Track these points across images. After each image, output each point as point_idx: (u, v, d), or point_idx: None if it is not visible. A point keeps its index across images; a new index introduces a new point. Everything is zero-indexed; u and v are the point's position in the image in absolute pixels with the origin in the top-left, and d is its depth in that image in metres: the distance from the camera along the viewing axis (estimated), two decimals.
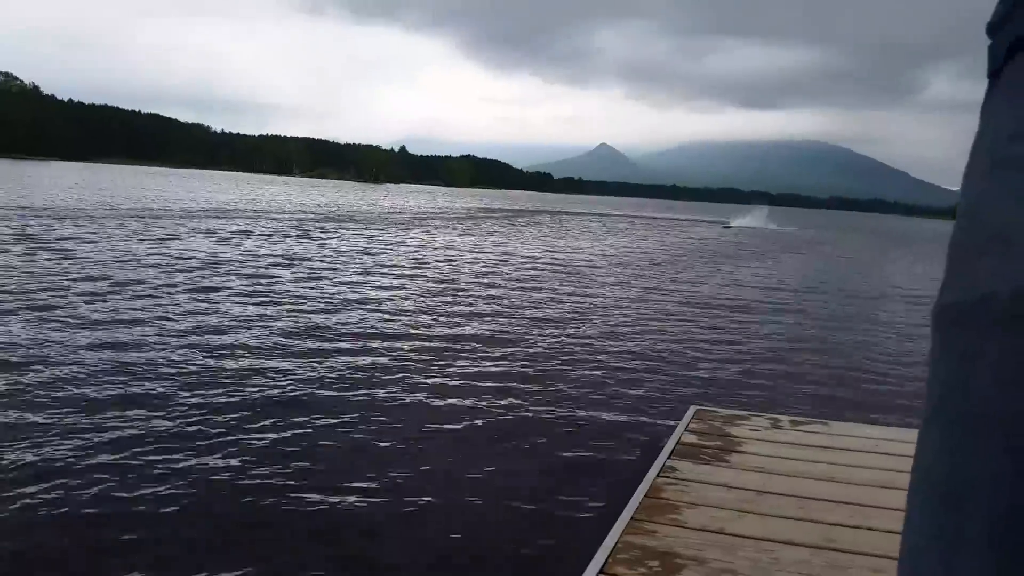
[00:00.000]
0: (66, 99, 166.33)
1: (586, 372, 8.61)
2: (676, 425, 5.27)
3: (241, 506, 4.62)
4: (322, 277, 15.04)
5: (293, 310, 11.17)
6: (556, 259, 23.05)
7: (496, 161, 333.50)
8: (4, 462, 4.94)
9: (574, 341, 10.32)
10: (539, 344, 9.95)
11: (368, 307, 11.90)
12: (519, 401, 7.27)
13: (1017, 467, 0.36)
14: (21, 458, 5.02)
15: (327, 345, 9.05)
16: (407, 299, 13.04)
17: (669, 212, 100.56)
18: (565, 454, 5.91)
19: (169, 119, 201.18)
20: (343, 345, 9.13)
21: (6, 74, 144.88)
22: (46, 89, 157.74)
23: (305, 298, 12.30)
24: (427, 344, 9.52)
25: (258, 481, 4.98)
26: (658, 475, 4.18)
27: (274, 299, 12.02)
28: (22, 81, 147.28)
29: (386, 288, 14.21)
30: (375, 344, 9.32)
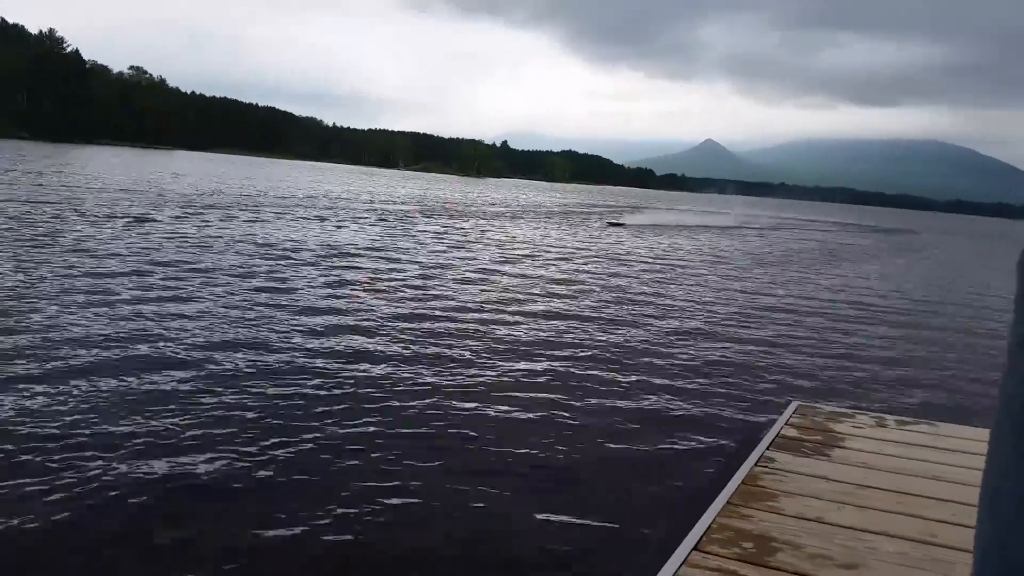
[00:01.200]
0: (189, 91, 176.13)
1: (685, 364, 8.61)
2: (775, 419, 5.26)
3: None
4: (415, 263, 15.52)
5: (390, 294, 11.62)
6: (651, 254, 22.87)
7: (597, 156, 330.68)
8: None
9: (673, 334, 10.31)
10: (639, 335, 9.99)
11: (462, 297, 12.23)
12: (620, 388, 7.38)
13: None
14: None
15: (421, 327, 9.40)
16: (501, 289, 13.30)
17: (776, 212, 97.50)
18: (661, 441, 5.99)
19: (284, 112, 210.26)
20: (437, 331, 9.45)
21: (137, 68, 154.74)
22: (172, 82, 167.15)
23: (397, 279, 12.77)
24: (525, 332, 9.72)
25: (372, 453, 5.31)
26: (756, 464, 4.22)
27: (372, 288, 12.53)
28: (151, 74, 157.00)
29: (479, 281, 14.52)
30: (471, 330, 9.59)
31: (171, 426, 5.42)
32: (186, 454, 4.98)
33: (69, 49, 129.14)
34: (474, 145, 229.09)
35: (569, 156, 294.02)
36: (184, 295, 10.16)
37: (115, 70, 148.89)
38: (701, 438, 6.14)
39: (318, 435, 5.51)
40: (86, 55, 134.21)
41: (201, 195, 31.27)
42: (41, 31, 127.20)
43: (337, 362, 7.50)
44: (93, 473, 4.58)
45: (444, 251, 18.78)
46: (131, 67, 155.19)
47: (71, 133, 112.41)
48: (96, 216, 19.12)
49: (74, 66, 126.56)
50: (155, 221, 19.35)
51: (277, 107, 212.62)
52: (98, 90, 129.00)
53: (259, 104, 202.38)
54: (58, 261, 11.80)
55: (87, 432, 5.18)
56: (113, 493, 4.38)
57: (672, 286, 15.58)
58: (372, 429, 5.74)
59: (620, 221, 36.62)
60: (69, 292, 9.62)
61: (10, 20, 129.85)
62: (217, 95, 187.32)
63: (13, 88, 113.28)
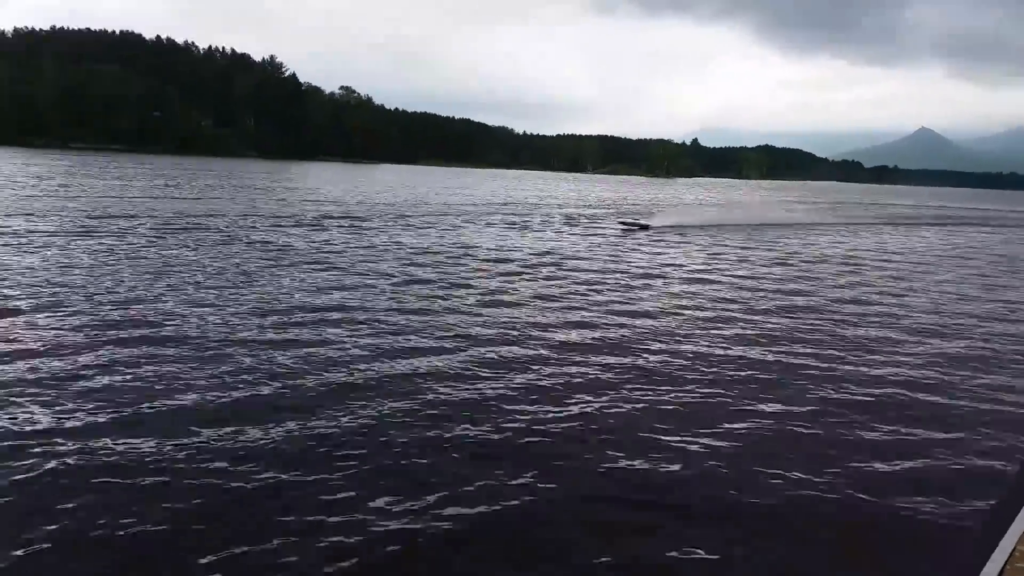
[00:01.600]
0: (393, 108, 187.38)
1: (955, 384, 8.06)
2: None
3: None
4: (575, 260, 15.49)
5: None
6: (879, 257, 21.35)
7: (796, 150, 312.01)
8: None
9: (930, 351, 9.61)
10: (894, 355, 9.39)
11: (678, 311, 12.07)
12: (884, 414, 6.99)
13: None
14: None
15: (642, 348, 9.39)
16: (721, 300, 12.99)
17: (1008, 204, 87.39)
18: (938, 461, 5.68)
19: (478, 123, 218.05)
20: (658, 354, 9.39)
21: (346, 88, 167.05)
22: (377, 100, 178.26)
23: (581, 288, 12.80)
24: (791, 347, 9.44)
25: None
26: None
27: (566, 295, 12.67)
28: (359, 94, 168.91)
29: (691, 293, 14.26)
30: (705, 351, 9.45)
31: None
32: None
33: (287, 73, 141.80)
34: (662, 145, 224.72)
35: (765, 151, 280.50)
36: (398, 307, 10.86)
37: (327, 90, 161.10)
38: (974, 460, 5.65)
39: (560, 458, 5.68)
40: (301, 78, 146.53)
41: (409, 204, 33.25)
42: (263, 58, 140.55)
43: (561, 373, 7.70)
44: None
45: (644, 257, 18.66)
46: (341, 87, 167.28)
47: (290, 151, 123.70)
48: (322, 227, 20.94)
49: (292, 89, 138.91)
50: (374, 230, 20.85)
51: (471, 119, 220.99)
52: (312, 111, 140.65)
53: (455, 117, 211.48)
54: (293, 273, 13.03)
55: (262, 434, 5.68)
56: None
57: (911, 297, 14.40)
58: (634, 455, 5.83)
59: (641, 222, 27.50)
60: (302, 303, 10.60)
61: (239, 50, 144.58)
62: (417, 110, 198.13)
63: (243, 111, 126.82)
